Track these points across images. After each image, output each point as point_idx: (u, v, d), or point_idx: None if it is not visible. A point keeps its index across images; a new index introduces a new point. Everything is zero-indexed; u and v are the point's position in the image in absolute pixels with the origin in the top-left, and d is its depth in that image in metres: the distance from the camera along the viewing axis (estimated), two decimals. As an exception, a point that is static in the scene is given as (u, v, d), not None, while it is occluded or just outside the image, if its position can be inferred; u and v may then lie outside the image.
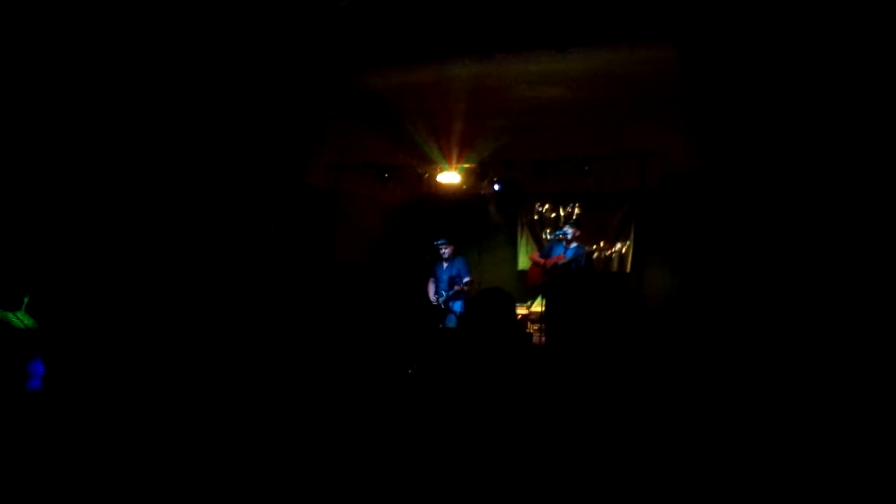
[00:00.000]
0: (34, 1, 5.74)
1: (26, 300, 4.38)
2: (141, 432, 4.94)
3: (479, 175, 10.76)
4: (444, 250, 9.74)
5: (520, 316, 9.49)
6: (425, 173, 10.85)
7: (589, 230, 10.37)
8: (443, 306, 9.78)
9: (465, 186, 11.00)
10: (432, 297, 9.94)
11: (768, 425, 5.53)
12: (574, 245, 9.56)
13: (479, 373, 3.38)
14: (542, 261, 9.80)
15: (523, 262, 11.19)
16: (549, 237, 10.82)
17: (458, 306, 9.77)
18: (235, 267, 8.38)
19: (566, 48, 6.95)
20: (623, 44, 7.15)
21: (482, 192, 11.17)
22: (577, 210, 10.89)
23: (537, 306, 9.50)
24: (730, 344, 7.17)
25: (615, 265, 10.58)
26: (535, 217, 11.25)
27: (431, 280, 10.03)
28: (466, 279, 9.60)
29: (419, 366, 8.26)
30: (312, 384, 4.19)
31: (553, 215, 11.10)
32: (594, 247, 10.49)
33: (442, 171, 10.66)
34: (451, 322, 9.72)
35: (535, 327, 9.30)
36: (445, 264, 9.79)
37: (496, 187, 10.92)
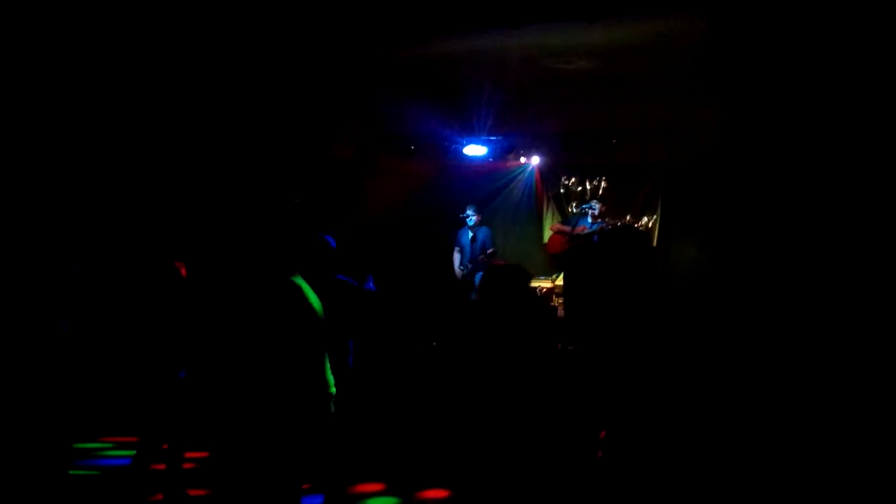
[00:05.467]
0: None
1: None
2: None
3: (505, 148, 10.72)
4: (471, 218, 9.76)
5: (545, 290, 9.49)
6: (451, 145, 10.83)
7: (615, 204, 10.30)
8: (467, 278, 9.80)
9: (491, 159, 10.96)
10: (457, 268, 9.96)
11: (796, 405, 5.50)
12: (599, 221, 9.53)
13: (497, 351, 3.38)
14: (567, 228, 9.76)
15: (549, 236, 11.15)
16: (574, 211, 10.77)
17: (479, 278, 9.79)
18: (259, 238, 8.42)
19: (596, 19, 6.87)
20: (653, 16, 7.06)
21: (508, 164, 11.15)
22: (603, 183, 10.80)
23: (563, 280, 9.47)
24: (757, 321, 7.12)
25: (641, 240, 10.49)
26: (562, 190, 11.18)
27: (456, 250, 10.05)
28: (490, 250, 9.63)
29: (443, 340, 8.31)
30: (333, 355, 4.21)
31: (579, 189, 11.02)
32: (620, 220, 10.41)
33: (468, 143, 10.64)
34: (474, 295, 9.76)
35: (561, 301, 9.29)
36: (471, 233, 9.80)
37: (522, 160, 10.92)
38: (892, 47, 6.06)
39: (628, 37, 7.71)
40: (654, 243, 10.41)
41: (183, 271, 5.65)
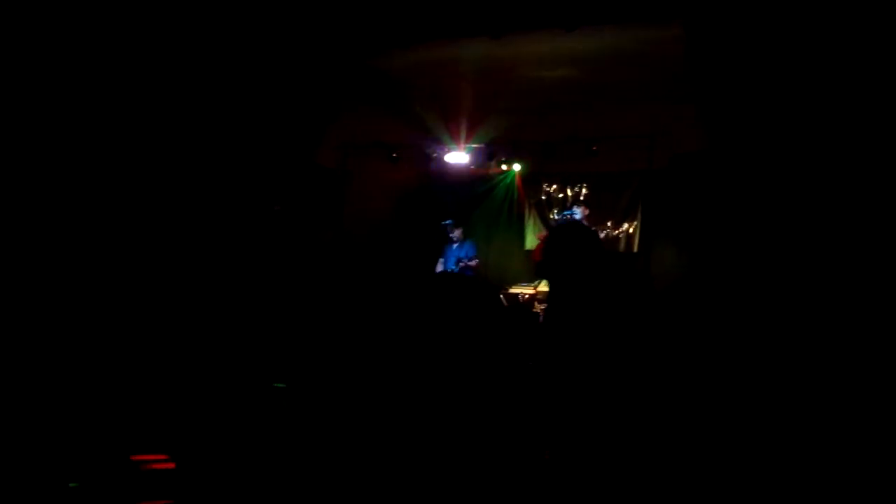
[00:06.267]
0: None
1: None
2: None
3: (487, 155, 10.77)
4: (452, 233, 9.79)
5: (527, 296, 9.54)
6: (433, 153, 10.87)
7: (596, 210, 10.37)
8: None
9: (473, 167, 11.02)
10: (440, 276, 9.99)
11: (777, 411, 5.56)
12: (582, 226, 9.58)
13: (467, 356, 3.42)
14: None
15: (531, 243, 11.20)
16: (556, 217, 10.84)
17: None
18: (242, 246, 8.42)
19: (575, 28, 6.95)
20: (631, 24, 7.13)
21: (490, 171, 11.22)
22: (584, 190, 10.90)
23: (544, 286, 9.54)
24: (738, 326, 7.19)
25: (622, 245, 10.59)
26: (543, 197, 11.26)
27: (441, 262, 10.08)
28: (472, 258, 9.68)
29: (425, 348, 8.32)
30: (316, 365, 4.25)
31: (561, 196, 11.11)
32: (601, 226, 10.50)
33: (450, 151, 10.68)
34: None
35: (542, 307, 9.35)
36: (455, 246, 9.84)
37: (503, 167, 11.00)
38: (867, 52, 6.15)
39: (607, 45, 7.78)
40: (635, 249, 10.52)
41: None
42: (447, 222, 9.79)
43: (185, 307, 6.03)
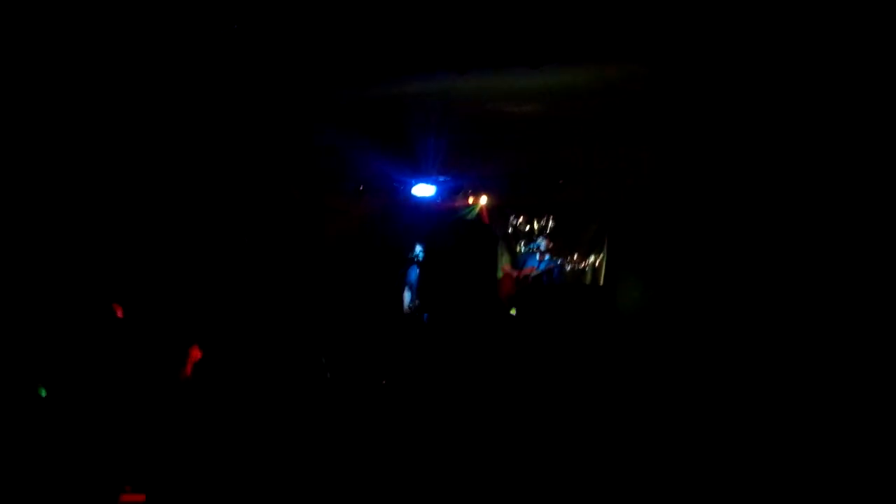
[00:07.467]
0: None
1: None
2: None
3: (454, 188, 10.84)
4: (421, 257, 9.81)
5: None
6: (401, 185, 10.91)
7: (562, 243, 10.47)
8: (416, 315, 9.82)
9: (439, 199, 11.07)
10: (406, 305, 9.99)
11: (740, 436, 5.62)
12: (547, 258, 9.66)
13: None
14: (515, 272, 9.89)
15: (498, 274, 11.26)
16: (523, 249, 10.92)
17: (426, 316, 9.83)
18: (211, 276, 8.37)
19: (540, 65, 7.05)
20: (595, 62, 7.26)
21: (457, 204, 11.27)
22: (550, 223, 10.99)
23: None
24: (703, 356, 7.27)
25: (588, 278, 10.68)
26: (510, 230, 11.33)
27: (407, 288, 10.09)
28: None
29: (392, 377, 8.29)
30: (286, 392, 4.24)
31: (527, 228, 11.19)
32: (567, 259, 10.59)
33: (417, 184, 10.73)
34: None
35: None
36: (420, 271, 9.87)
37: (470, 199, 11.06)
38: (827, 84, 6.32)
39: (574, 82, 7.89)
40: (601, 282, 10.61)
41: (119, 312, 5.62)
42: (417, 251, 9.82)
43: (156, 335, 5.98)
